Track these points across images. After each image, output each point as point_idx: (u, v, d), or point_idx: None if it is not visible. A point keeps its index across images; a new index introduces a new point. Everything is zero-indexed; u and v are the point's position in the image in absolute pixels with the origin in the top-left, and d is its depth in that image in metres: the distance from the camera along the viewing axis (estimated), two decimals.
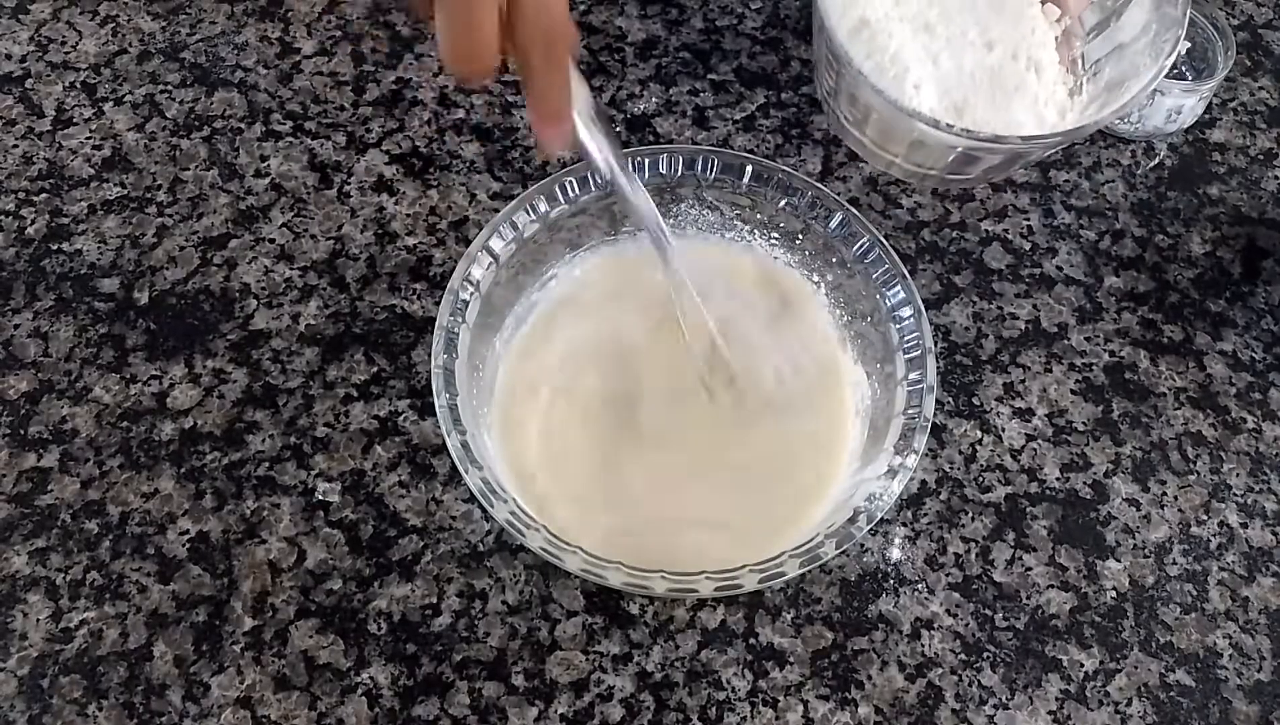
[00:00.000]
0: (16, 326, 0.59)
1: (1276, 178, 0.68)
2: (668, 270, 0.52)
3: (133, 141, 0.65)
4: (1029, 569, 0.55)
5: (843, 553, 0.53)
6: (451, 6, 0.39)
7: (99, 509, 0.54)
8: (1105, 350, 0.61)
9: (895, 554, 0.55)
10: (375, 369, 0.58)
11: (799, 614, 0.53)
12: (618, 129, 0.67)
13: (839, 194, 0.63)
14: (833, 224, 0.55)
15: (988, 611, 0.54)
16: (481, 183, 0.64)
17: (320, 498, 0.55)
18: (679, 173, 0.56)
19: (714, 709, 0.51)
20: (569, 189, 0.54)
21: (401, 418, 0.57)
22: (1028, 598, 0.54)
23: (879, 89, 0.57)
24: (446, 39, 0.40)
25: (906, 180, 0.65)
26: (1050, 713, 0.51)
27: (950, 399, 0.59)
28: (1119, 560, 0.55)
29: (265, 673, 0.50)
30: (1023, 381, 0.60)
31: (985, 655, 0.52)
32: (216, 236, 0.62)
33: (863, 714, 0.51)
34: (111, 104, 0.66)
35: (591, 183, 0.54)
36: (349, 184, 0.64)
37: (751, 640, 0.52)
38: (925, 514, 0.56)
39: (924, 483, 0.57)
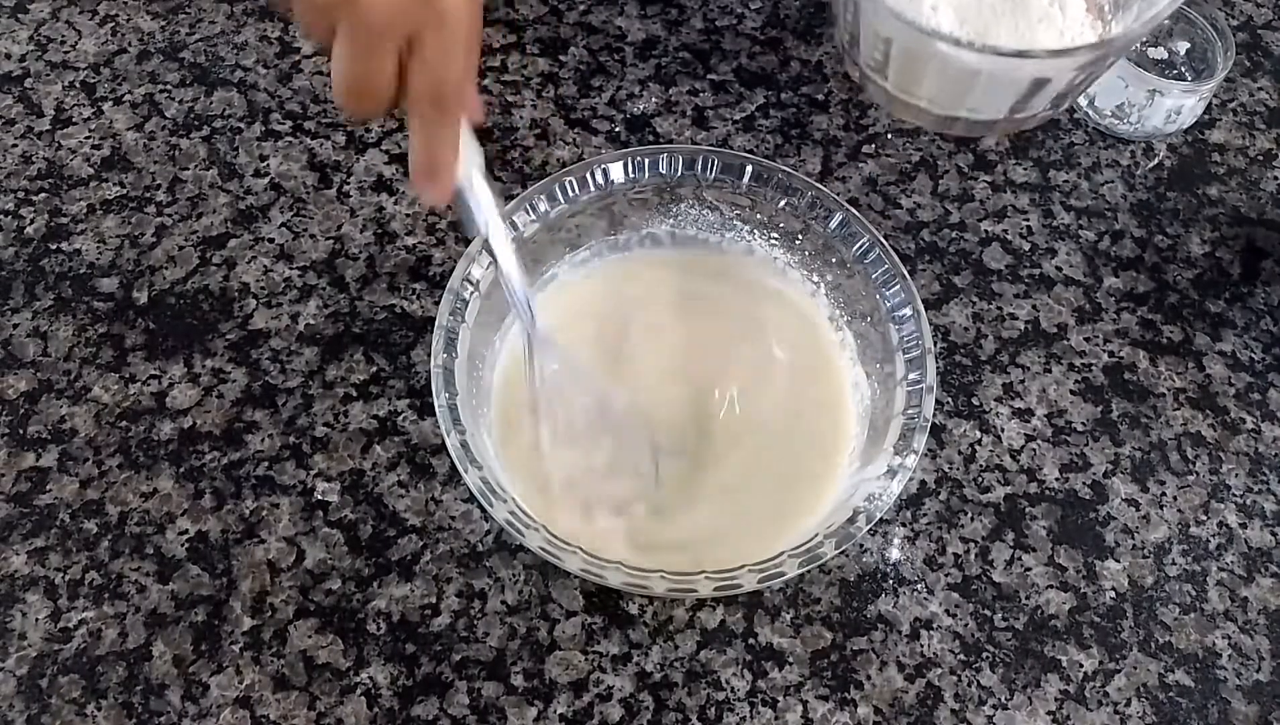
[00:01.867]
0: (16, 326, 0.59)
1: (1276, 178, 0.68)
2: (534, 341, 0.50)
3: (132, 141, 0.65)
4: (1028, 569, 0.55)
5: (842, 553, 0.53)
6: (351, 44, 0.38)
7: (98, 509, 0.54)
8: (1105, 350, 0.61)
9: (895, 554, 0.55)
10: (374, 369, 0.58)
11: (798, 614, 0.53)
12: (617, 130, 0.67)
13: (839, 194, 0.63)
14: (833, 224, 0.55)
15: (987, 612, 0.54)
16: None
17: (319, 497, 0.55)
18: (679, 173, 0.56)
19: (713, 709, 0.51)
20: (569, 189, 0.54)
21: (401, 417, 0.57)
22: (1027, 598, 0.54)
23: (895, 10, 0.55)
24: (341, 74, 0.39)
25: (932, 127, 0.63)
26: (1049, 713, 0.51)
27: (950, 399, 0.59)
28: (1118, 560, 0.55)
29: (264, 672, 0.50)
30: (1022, 382, 0.60)
31: (984, 655, 0.52)
32: (216, 236, 0.62)
33: (862, 714, 0.51)
34: (111, 104, 0.66)
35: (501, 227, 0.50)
36: (348, 184, 0.64)
37: (751, 640, 0.52)
38: (925, 514, 0.56)
39: (923, 483, 0.57)
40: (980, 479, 0.57)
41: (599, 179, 0.55)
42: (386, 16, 0.37)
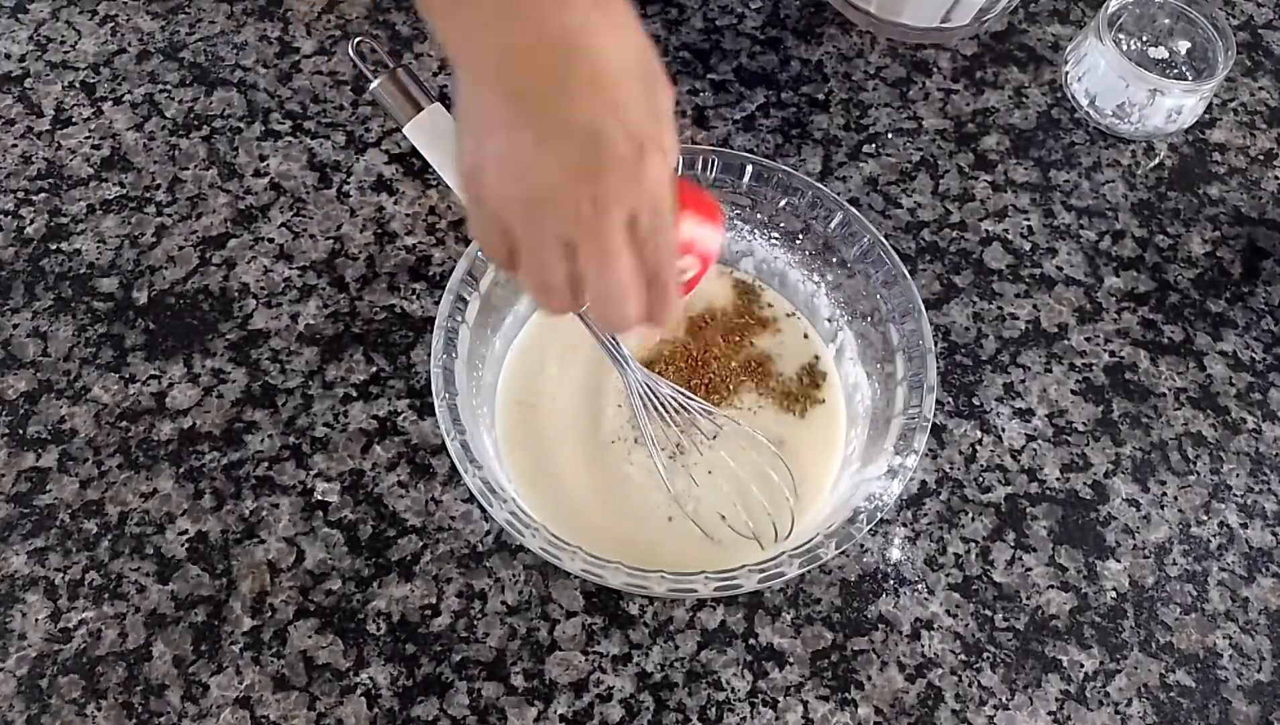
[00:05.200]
0: (15, 326, 0.59)
1: (1276, 178, 0.68)
2: (630, 382, 0.52)
3: (132, 141, 0.65)
4: (1029, 569, 0.55)
5: (843, 553, 0.53)
6: (592, 269, 0.40)
7: (98, 509, 0.54)
8: (1105, 350, 0.61)
9: (895, 554, 0.55)
10: (374, 369, 0.58)
11: (799, 614, 0.53)
12: None
13: (839, 194, 0.63)
14: (833, 224, 0.55)
15: (988, 612, 0.53)
16: None
17: (319, 497, 0.55)
18: (679, 173, 0.55)
19: (714, 709, 0.51)
20: None
21: (401, 418, 0.57)
22: (1028, 598, 0.54)
23: None
24: (595, 301, 0.41)
25: (878, 32, 0.71)
26: (1050, 713, 0.51)
27: (950, 399, 0.59)
28: (1119, 560, 0.55)
29: (264, 673, 0.50)
30: (1023, 381, 0.60)
31: (985, 655, 0.52)
32: (215, 236, 0.62)
33: (862, 714, 0.51)
34: (110, 103, 0.66)
35: None
36: (348, 183, 0.64)
37: (751, 641, 0.52)
38: (925, 514, 0.56)
39: (924, 483, 0.57)
40: (981, 479, 0.57)
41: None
42: (616, 216, 0.39)
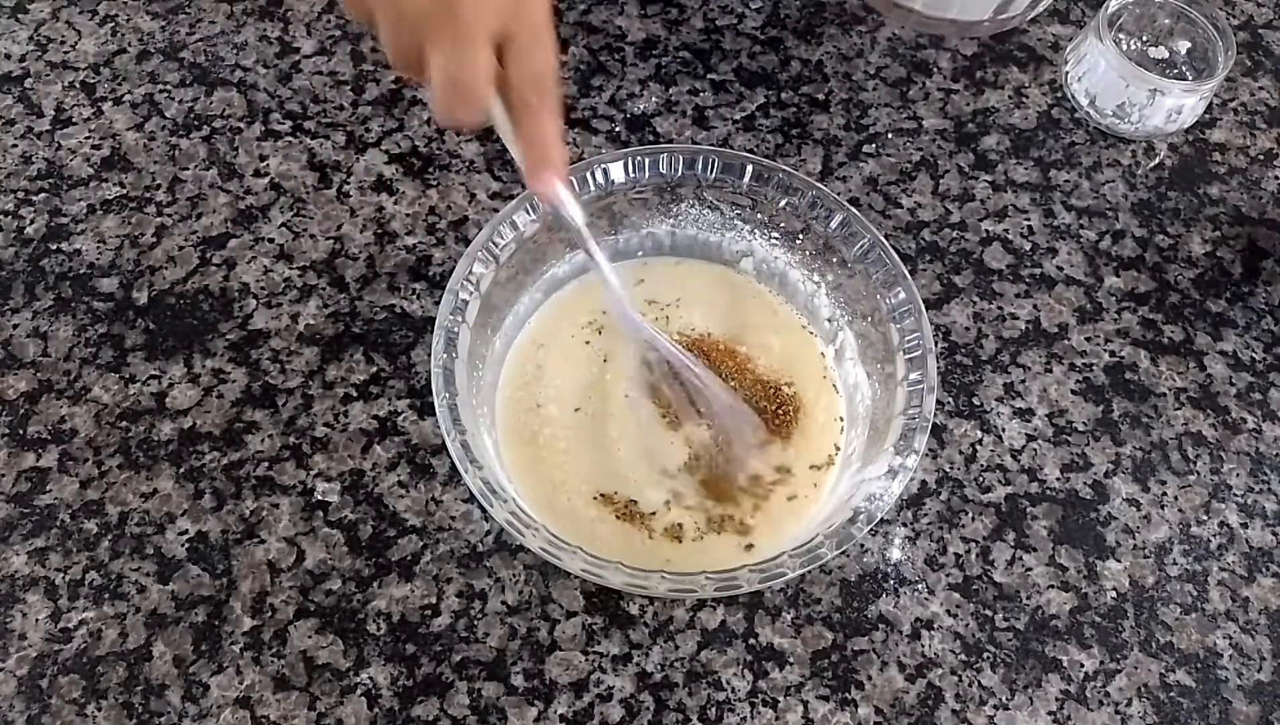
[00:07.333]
0: (16, 326, 0.59)
1: (1276, 178, 0.68)
2: (639, 344, 0.52)
3: (132, 141, 0.65)
4: (1029, 569, 0.55)
5: (843, 553, 0.53)
6: (443, 53, 0.40)
7: (98, 509, 0.54)
8: (1105, 350, 0.61)
9: (895, 554, 0.55)
10: (374, 369, 0.58)
11: (799, 614, 0.53)
12: (617, 129, 0.67)
13: (839, 194, 0.63)
14: (833, 224, 0.55)
15: (988, 612, 0.53)
16: (481, 182, 0.64)
17: (319, 497, 0.55)
18: (679, 173, 0.56)
19: (714, 709, 0.51)
20: (569, 188, 0.54)
21: (401, 418, 0.57)
22: (1028, 598, 0.54)
23: None
24: (439, 86, 0.41)
25: (958, 34, 0.70)
26: (1050, 713, 0.51)
27: (950, 399, 0.59)
28: (1119, 560, 0.55)
29: (264, 673, 0.50)
30: (1023, 381, 0.60)
31: (985, 655, 0.52)
32: (216, 236, 0.62)
33: (863, 714, 0.51)
34: (111, 104, 0.66)
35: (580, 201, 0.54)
36: (348, 184, 0.64)
37: (751, 641, 0.52)
38: (925, 514, 0.56)
39: (924, 483, 0.57)
40: (981, 479, 0.57)
41: (599, 178, 0.55)
42: (482, 17, 0.40)
